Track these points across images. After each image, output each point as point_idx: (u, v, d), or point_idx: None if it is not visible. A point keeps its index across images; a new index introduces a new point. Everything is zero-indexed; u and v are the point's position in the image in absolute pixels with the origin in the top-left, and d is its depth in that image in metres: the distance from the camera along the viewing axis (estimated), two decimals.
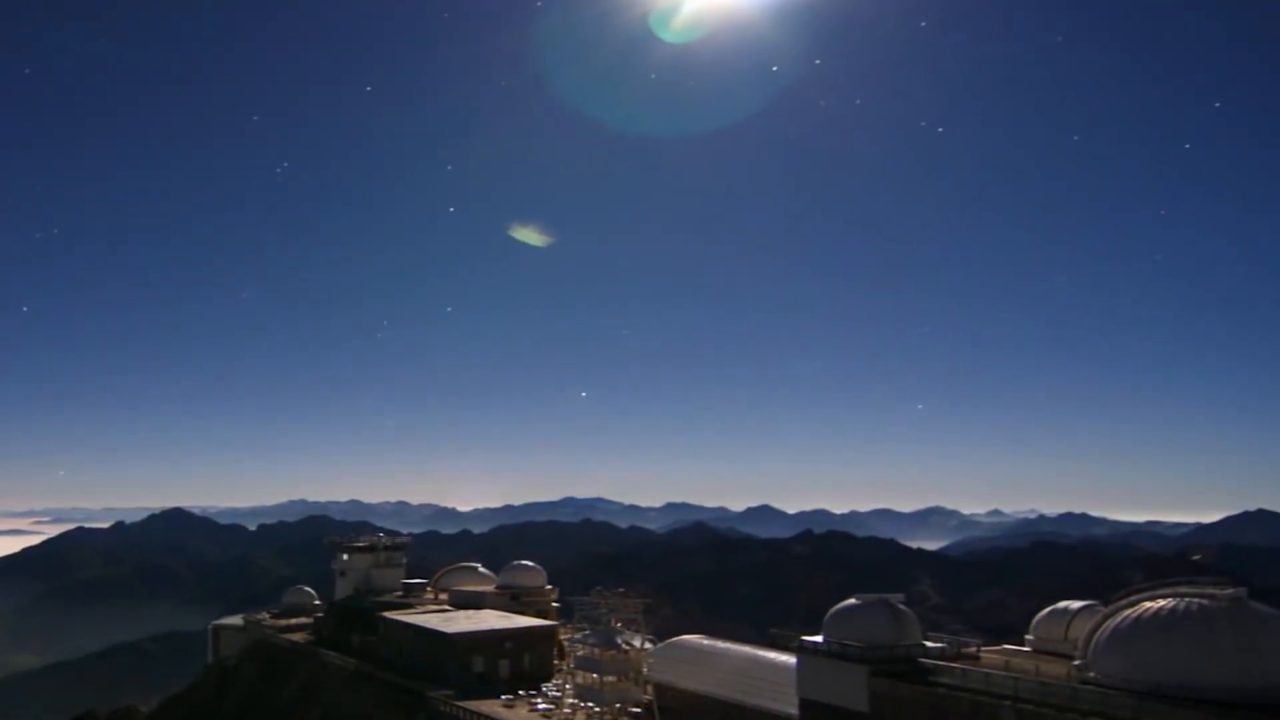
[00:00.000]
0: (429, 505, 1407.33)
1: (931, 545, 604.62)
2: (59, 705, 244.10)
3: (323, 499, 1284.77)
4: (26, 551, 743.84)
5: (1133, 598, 49.87)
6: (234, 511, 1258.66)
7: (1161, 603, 48.11)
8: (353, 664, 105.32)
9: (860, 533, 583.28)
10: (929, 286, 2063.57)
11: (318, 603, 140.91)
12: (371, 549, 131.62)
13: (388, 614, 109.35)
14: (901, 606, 58.97)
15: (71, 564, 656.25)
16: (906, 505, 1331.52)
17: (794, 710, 61.27)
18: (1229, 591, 47.21)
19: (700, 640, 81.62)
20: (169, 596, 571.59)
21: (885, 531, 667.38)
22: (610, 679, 76.46)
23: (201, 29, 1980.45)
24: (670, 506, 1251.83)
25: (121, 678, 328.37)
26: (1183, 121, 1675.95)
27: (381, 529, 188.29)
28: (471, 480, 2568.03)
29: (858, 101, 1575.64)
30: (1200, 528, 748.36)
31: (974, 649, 58.17)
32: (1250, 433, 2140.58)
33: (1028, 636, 62.00)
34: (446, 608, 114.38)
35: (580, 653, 78.41)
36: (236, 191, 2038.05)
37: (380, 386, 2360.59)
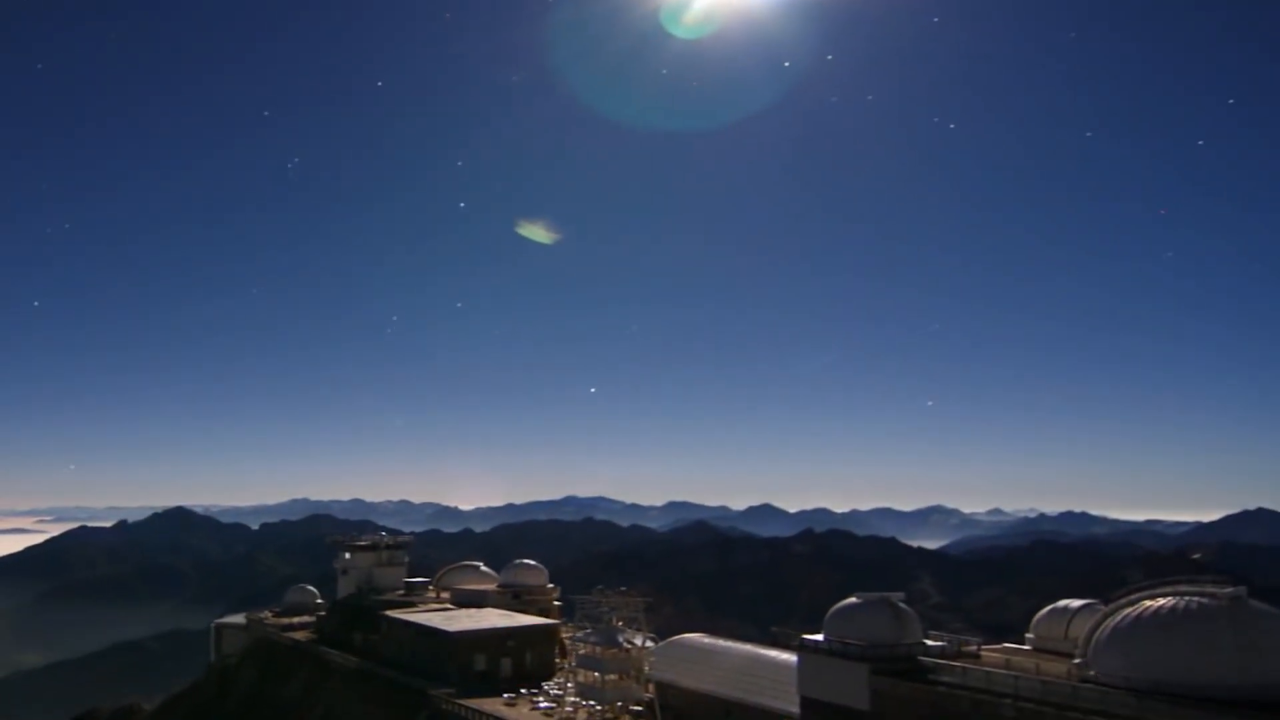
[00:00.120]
0: (431, 504, 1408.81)
1: (932, 544, 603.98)
2: (62, 703, 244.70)
3: (325, 498, 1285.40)
4: (29, 550, 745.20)
5: (1133, 596, 49.92)
6: (236, 510, 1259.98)
7: (1161, 601, 48.17)
8: (355, 662, 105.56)
9: (861, 531, 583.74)
10: (933, 284, 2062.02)
11: (320, 601, 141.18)
12: (374, 548, 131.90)
13: (390, 613, 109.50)
14: (902, 605, 59.06)
15: (74, 563, 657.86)
16: (907, 504, 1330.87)
17: (795, 708, 61.40)
18: (1229, 590, 47.26)
19: (701, 639, 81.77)
20: (171, 595, 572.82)
21: (886, 530, 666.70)
22: (612, 677, 76.64)
23: (213, 24, 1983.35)
24: (671, 505, 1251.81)
25: (124, 676, 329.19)
26: (1195, 119, 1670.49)
27: (383, 528, 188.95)
28: (473, 479, 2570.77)
29: (869, 97, 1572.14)
30: (1200, 526, 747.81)
31: (974, 647, 58.30)
32: (1250, 432, 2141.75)
33: (1028, 635, 62.02)
34: (448, 606, 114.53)
35: (582, 651, 78.60)
36: (247, 187, 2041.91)
37: (382, 386, 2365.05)
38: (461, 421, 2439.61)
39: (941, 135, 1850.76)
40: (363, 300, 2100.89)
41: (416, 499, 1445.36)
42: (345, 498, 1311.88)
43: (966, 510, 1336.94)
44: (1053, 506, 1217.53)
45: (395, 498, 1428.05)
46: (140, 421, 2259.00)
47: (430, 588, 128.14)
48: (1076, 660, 50.35)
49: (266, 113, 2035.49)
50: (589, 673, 77.62)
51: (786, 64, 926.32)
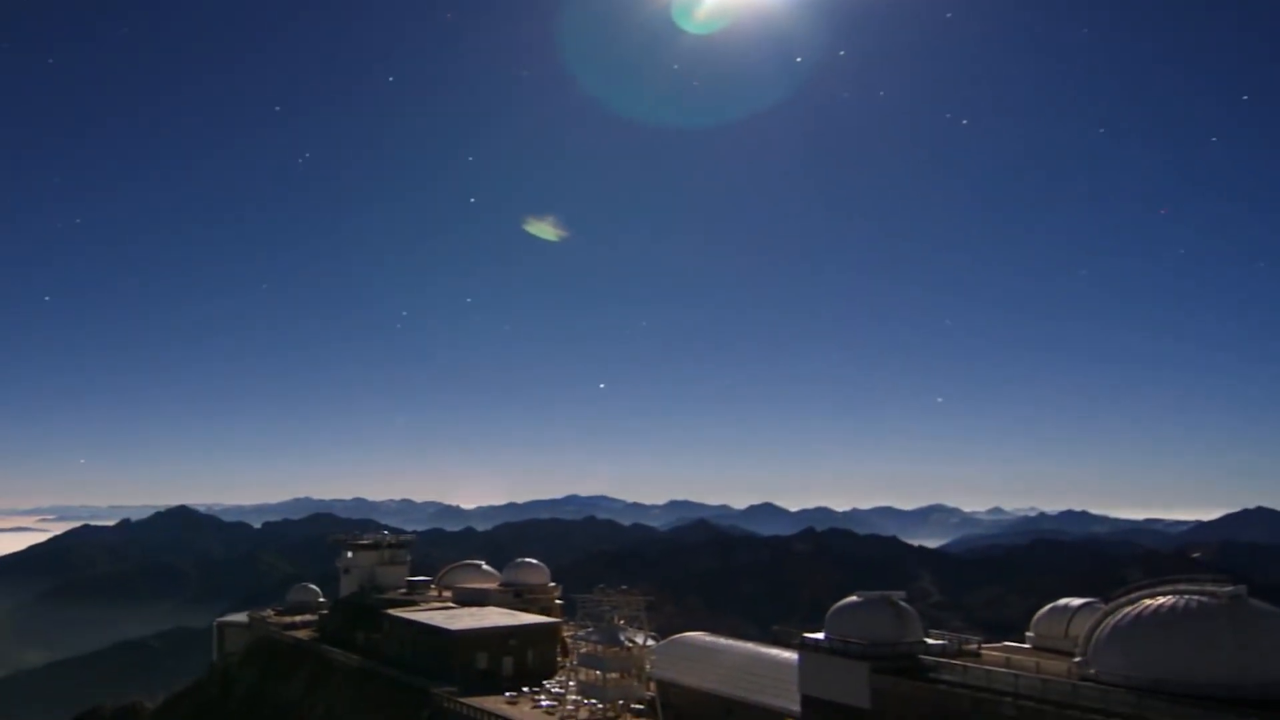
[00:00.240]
0: (433, 503, 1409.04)
1: (932, 543, 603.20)
2: (65, 702, 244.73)
3: (327, 497, 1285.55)
4: (33, 549, 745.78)
5: (1133, 595, 50.08)
6: (239, 509, 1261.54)
7: (1161, 600, 48.33)
8: (357, 661, 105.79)
9: (862, 530, 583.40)
10: (938, 281, 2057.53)
11: (322, 600, 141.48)
12: (376, 547, 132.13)
13: (392, 611, 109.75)
14: (903, 604, 59.21)
15: (77, 561, 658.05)
16: (908, 503, 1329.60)
17: (796, 707, 61.56)
18: (1228, 589, 47.41)
19: (703, 637, 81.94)
20: (174, 594, 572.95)
21: (887, 529, 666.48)
22: (613, 676, 76.85)
23: (225, 19, 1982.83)
24: (673, 504, 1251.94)
25: (127, 674, 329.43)
26: (1207, 116, 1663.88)
27: (386, 527, 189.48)
28: (475, 478, 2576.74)
29: (881, 93, 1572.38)
30: (1200, 525, 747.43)
31: (975, 646, 58.45)
32: (1250, 431, 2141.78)
33: (1028, 633, 62.21)
34: (450, 605, 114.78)
35: (583, 650, 78.78)
36: (255, 183, 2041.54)
37: (383, 385, 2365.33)
38: (463, 421, 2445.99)
39: (953, 131, 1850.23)
40: (369, 298, 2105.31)
41: (418, 498, 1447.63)
42: (347, 497, 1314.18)
43: (967, 509, 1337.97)
44: (1053, 505, 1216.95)
45: (397, 497, 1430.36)
46: (143, 420, 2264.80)
47: (432, 586, 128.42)
48: (1077, 659, 50.48)
49: (278, 108, 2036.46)
50: (590, 671, 77.79)
51: (798, 59, 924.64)
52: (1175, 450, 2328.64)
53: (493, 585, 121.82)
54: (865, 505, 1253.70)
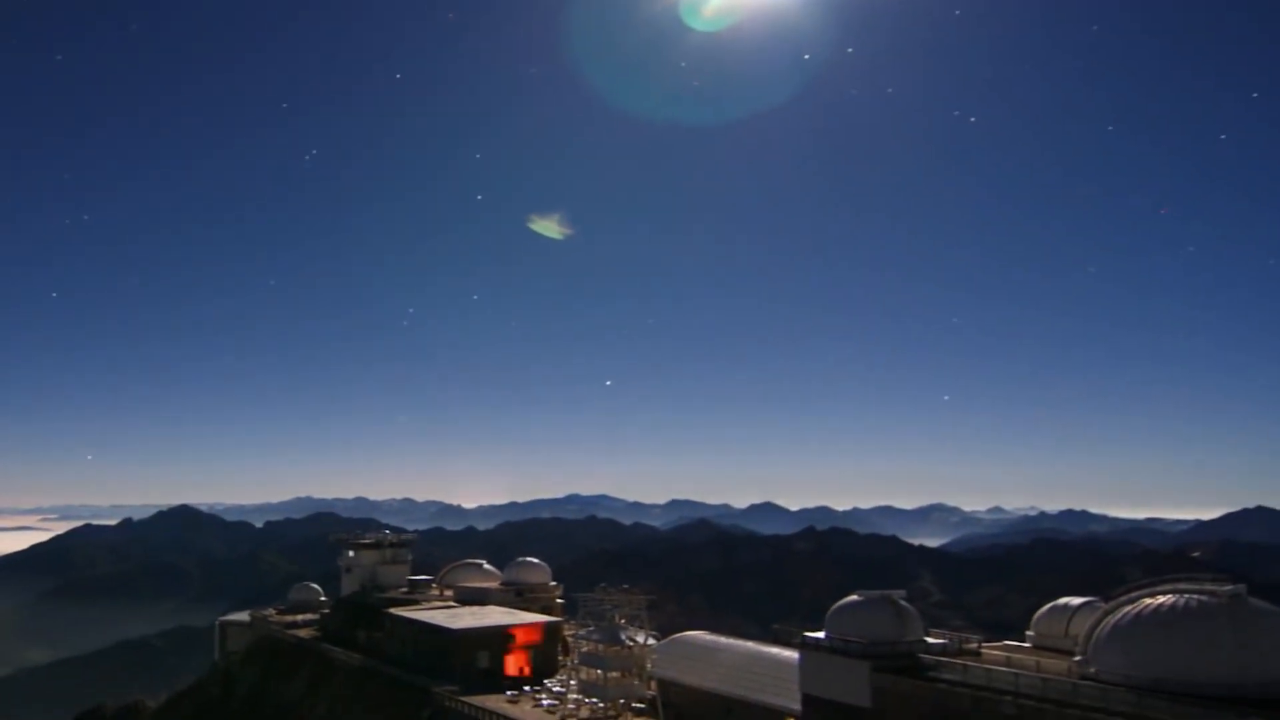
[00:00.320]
0: (434, 502, 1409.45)
1: (933, 542, 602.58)
2: (67, 701, 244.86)
3: (329, 496, 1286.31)
4: (35, 548, 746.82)
5: (1133, 594, 50.15)
6: (241, 509, 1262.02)
7: (1161, 599, 48.40)
8: (358, 660, 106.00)
9: (862, 529, 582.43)
10: (943, 279, 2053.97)
11: (324, 599, 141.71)
12: (377, 546, 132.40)
13: (393, 610, 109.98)
14: (903, 603, 59.29)
15: (79, 561, 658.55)
16: (908, 502, 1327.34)
17: (797, 706, 61.65)
18: (1228, 588, 47.48)
19: (704, 636, 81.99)
20: (176, 593, 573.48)
21: (887, 528, 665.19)
22: (614, 675, 76.99)
23: (228, 18, 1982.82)
24: (674, 504, 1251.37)
25: (129, 673, 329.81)
26: (1216, 114, 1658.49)
27: (387, 526, 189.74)
28: (476, 477, 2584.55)
29: (889, 90, 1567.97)
30: (1200, 524, 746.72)
31: (975, 645, 58.53)
32: (1249, 430, 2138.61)
33: (1028, 632, 62.29)
34: (452, 604, 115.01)
35: (585, 649, 78.94)
36: (260, 181, 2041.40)
37: (384, 384, 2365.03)
38: (464, 420, 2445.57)
39: (962, 129, 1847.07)
40: (372, 296, 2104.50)
41: (420, 497, 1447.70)
42: (349, 496, 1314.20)
43: (967, 508, 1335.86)
44: (1053, 504, 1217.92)
45: (399, 496, 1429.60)
46: (145, 420, 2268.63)
47: (434, 586, 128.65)
48: (1077, 658, 50.57)
49: (285, 104, 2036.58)
50: (592, 670, 77.96)
51: (806, 57, 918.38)
52: (1175, 450, 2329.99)
53: (494, 584, 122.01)
54: (866, 504, 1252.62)
